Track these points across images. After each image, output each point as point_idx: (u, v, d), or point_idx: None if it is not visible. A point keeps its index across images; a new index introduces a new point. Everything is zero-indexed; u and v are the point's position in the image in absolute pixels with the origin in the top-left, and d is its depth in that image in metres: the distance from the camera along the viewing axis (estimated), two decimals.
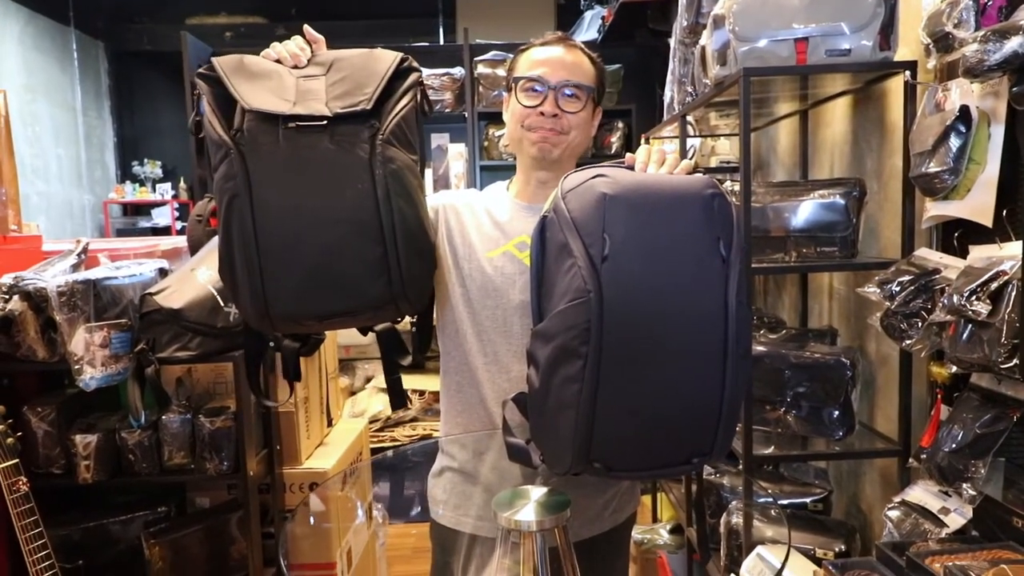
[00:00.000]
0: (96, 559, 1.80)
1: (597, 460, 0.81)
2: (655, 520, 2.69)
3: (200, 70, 0.93)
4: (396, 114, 0.91)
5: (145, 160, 6.13)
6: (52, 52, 5.48)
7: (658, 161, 0.89)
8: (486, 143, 4.10)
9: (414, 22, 5.93)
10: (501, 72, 3.76)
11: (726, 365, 0.78)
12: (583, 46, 1.17)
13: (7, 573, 1.71)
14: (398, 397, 1.12)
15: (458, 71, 3.89)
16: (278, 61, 0.97)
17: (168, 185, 6.00)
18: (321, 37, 1.02)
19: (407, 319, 1.04)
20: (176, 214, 5.88)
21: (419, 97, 0.97)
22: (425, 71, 3.76)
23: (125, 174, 6.20)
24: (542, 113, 1.10)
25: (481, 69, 3.85)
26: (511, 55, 3.76)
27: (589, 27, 4.13)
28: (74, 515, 1.83)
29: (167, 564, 1.75)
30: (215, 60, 0.94)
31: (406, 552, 2.62)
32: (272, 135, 0.87)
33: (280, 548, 1.02)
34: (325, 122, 0.87)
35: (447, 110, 3.90)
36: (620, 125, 3.90)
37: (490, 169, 4.14)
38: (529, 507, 0.83)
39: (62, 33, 5.61)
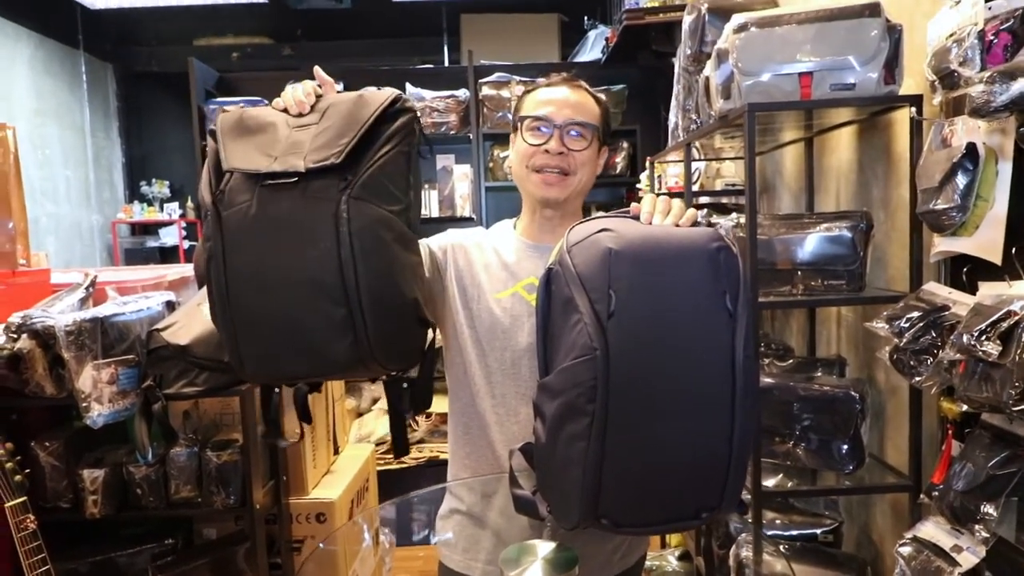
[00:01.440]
0: None
1: (604, 516, 0.80)
2: (663, 546, 2.67)
3: (212, 126, 0.94)
4: (372, 164, 0.88)
5: (153, 180, 6.18)
6: (62, 75, 5.54)
7: (663, 211, 0.89)
8: (491, 164, 4.11)
9: (419, 41, 5.98)
10: (506, 94, 3.78)
11: (734, 420, 0.77)
12: (587, 87, 1.18)
13: None
14: (399, 446, 1.11)
15: (463, 93, 3.91)
16: (285, 110, 0.96)
17: (176, 204, 6.04)
18: (330, 80, 1.01)
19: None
20: (183, 233, 5.92)
21: (414, 134, 0.95)
22: (430, 93, 3.79)
23: (133, 194, 6.25)
24: (547, 151, 1.10)
25: (486, 91, 3.87)
26: (515, 76, 3.78)
27: (593, 47, 4.15)
28: (81, 549, 1.83)
29: None
30: (219, 116, 0.95)
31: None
32: (248, 194, 0.87)
33: None
34: (296, 179, 0.86)
35: (452, 132, 3.92)
36: (625, 145, 3.90)
37: (495, 190, 4.15)
38: (536, 565, 0.82)
39: (71, 56, 5.68)
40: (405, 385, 1.05)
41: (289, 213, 0.86)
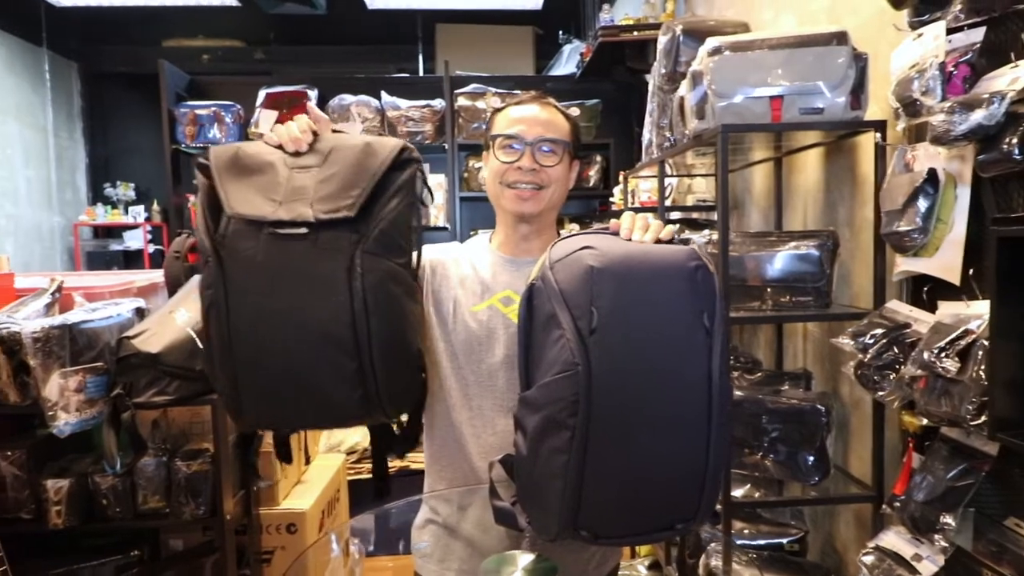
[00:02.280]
0: None
1: (584, 528, 0.82)
2: (633, 556, 2.70)
3: (200, 159, 0.91)
4: (383, 218, 0.88)
5: (118, 182, 6.04)
6: (24, 73, 5.40)
7: (643, 228, 0.92)
8: (466, 174, 4.13)
9: (393, 49, 5.97)
10: (481, 105, 3.81)
11: (710, 433, 0.80)
12: (557, 104, 1.22)
13: None
14: (382, 486, 1.10)
15: (438, 103, 3.92)
16: (280, 146, 0.94)
17: (141, 207, 5.91)
18: (325, 117, 0.99)
19: None
20: (149, 237, 5.79)
21: (418, 187, 0.94)
22: (405, 102, 3.80)
23: (97, 196, 6.10)
24: (520, 168, 1.13)
25: (461, 101, 3.89)
26: (491, 88, 3.80)
27: (568, 61, 4.21)
28: (42, 561, 1.78)
29: None
30: (212, 151, 0.91)
31: None
32: (253, 240, 0.85)
33: None
34: (306, 230, 0.84)
35: (427, 142, 3.93)
36: (598, 159, 3.96)
37: (469, 200, 4.16)
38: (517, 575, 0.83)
39: (34, 54, 5.54)
40: (394, 428, 1.05)
41: (298, 264, 0.84)
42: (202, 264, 0.87)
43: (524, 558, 0.87)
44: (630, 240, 0.89)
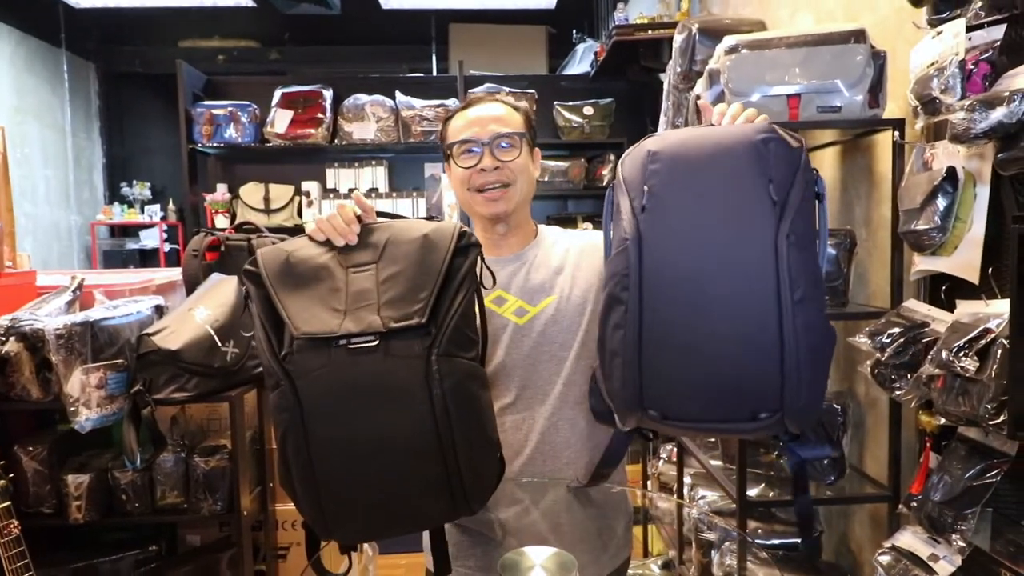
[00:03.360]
0: None
1: (652, 407, 0.80)
2: (646, 554, 2.70)
3: (247, 266, 0.89)
4: (453, 316, 0.84)
5: (134, 181, 6.11)
6: (43, 74, 5.47)
7: (733, 115, 0.91)
8: None
9: (407, 49, 6.00)
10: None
11: (781, 313, 0.74)
12: (500, 97, 1.23)
13: None
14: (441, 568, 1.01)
15: (452, 102, 3.93)
16: (327, 241, 0.91)
17: (157, 207, 5.98)
18: (371, 206, 0.96)
19: None
20: (165, 235, 5.86)
21: (479, 273, 0.91)
22: (420, 102, 3.81)
23: (114, 195, 6.17)
24: (483, 169, 1.14)
25: (506, 99, 3.88)
26: (505, 88, 3.79)
27: (581, 60, 4.20)
28: (62, 555, 1.81)
29: None
30: (261, 258, 0.89)
31: None
32: (323, 357, 0.81)
33: None
34: (376, 341, 0.81)
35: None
36: (611, 158, 3.95)
37: None
38: (536, 571, 0.84)
39: (53, 54, 5.61)
40: None
41: (373, 377, 0.81)
42: (270, 386, 0.84)
43: (543, 553, 0.87)
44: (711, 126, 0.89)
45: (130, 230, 6.02)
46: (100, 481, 1.71)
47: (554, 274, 1.20)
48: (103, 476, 1.72)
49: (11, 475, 1.55)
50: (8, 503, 1.51)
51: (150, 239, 5.90)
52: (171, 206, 6.02)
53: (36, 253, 5.12)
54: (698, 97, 1.72)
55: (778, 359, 0.74)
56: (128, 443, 1.59)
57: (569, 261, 1.22)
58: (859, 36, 1.44)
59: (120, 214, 5.90)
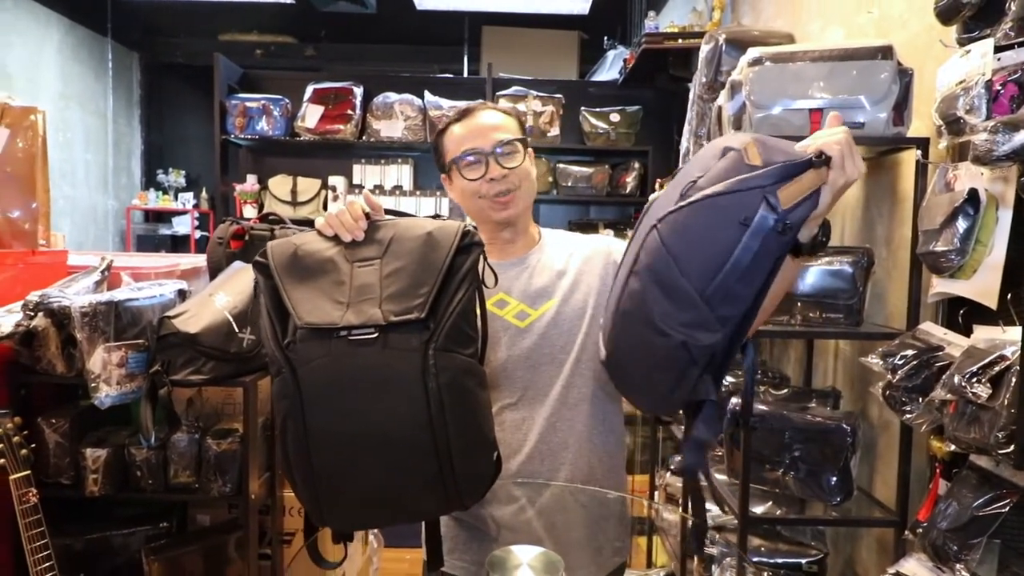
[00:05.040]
0: (96, 571, 1.83)
1: None
2: (650, 565, 2.68)
3: (257, 258, 0.92)
4: (452, 312, 0.86)
5: (170, 169, 6.26)
6: (88, 62, 5.64)
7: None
8: None
9: (439, 50, 6.05)
10: (522, 107, 3.83)
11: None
12: (492, 104, 1.25)
13: None
14: (434, 560, 1.04)
15: (480, 104, 3.96)
16: (335, 236, 0.93)
17: (190, 195, 6.11)
18: (379, 204, 0.98)
19: None
20: (196, 223, 5.99)
21: (481, 272, 0.92)
22: (447, 102, 3.85)
23: (149, 181, 6.33)
24: (492, 179, 1.15)
25: (502, 104, 3.92)
26: (532, 91, 3.80)
27: (611, 67, 4.20)
28: (78, 525, 1.86)
29: None
30: (270, 250, 0.92)
31: None
32: (324, 347, 0.83)
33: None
34: (376, 333, 0.83)
35: None
36: (636, 166, 3.94)
37: None
38: (523, 570, 0.85)
39: (99, 43, 5.78)
40: None
41: (371, 368, 0.83)
42: (272, 373, 0.86)
43: (530, 552, 0.88)
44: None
45: (163, 216, 6.17)
46: (117, 456, 1.76)
47: (556, 278, 1.22)
48: (120, 452, 1.77)
49: (33, 445, 1.60)
50: (28, 472, 1.56)
51: (182, 226, 6.04)
52: (204, 194, 6.15)
53: (73, 234, 5.28)
54: (720, 109, 1.72)
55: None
56: (144, 421, 1.63)
57: (572, 265, 1.23)
58: (886, 52, 1.43)
59: (155, 200, 6.04)
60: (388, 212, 0.99)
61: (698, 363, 0.80)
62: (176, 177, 6.23)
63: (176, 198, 6.11)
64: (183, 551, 1.84)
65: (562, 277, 1.21)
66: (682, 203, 0.79)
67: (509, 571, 0.85)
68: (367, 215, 0.94)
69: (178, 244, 6.05)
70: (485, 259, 0.93)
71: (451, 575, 1.18)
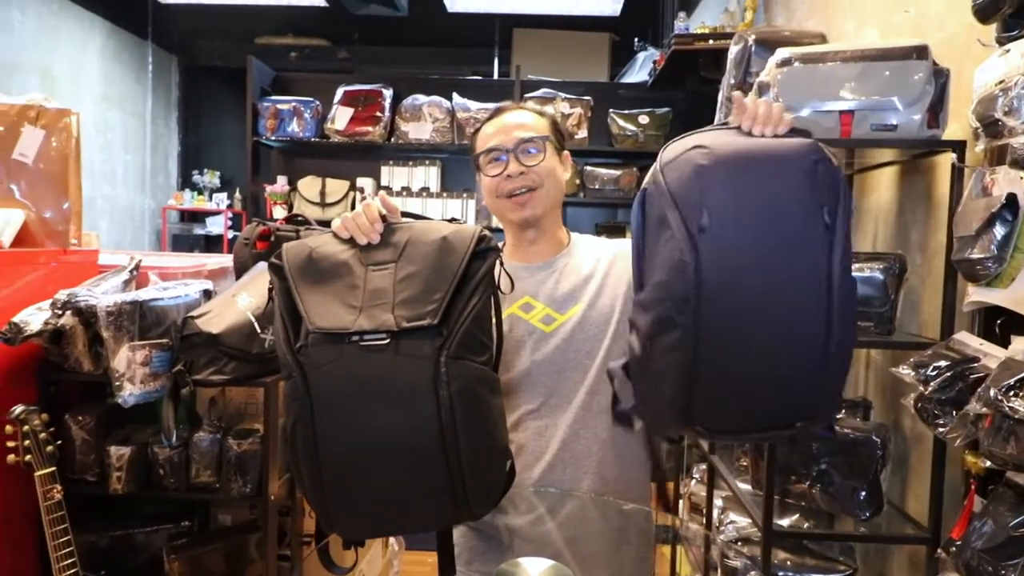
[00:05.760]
0: (118, 568, 1.85)
1: (699, 424, 0.82)
2: (673, 574, 2.63)
3: (272, 259, 0.91)
4: (466, 318, 0.84)
5: (205, 170, 6.39)
6: (129, 64, 5.79)
7: (763, 121, 0.86)
8: None
9: (470, 52, 6.07)
10: (550, 110, 3.81)
11: (830, 332, 0.76)
12: (526, 104, 1.25)
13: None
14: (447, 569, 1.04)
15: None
16: (351, 239, 0.92)
17: (224, 195, 6.23)
18: (395, 206, 0.97)
19: None
20: (229, 223, 6.10)
21: (496, 276, 0.90)
22: (475, 104, 3.84)
23: (185, 182, 6.47)
24: (510, 176, 1.15)
25: (530, 106, 3.90)
26: (561, 93, 3.80)
27: (641, 69, 4.16)
28: (101, 522, 1.89)
29: None
30: (285, 252, 0.91)
31: None
32: (335, 352, 0.82)
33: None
34: (388, 339, 0.82)
35: None
36: None
37: None
38: None
39: (140, 47, 5.93)
40: None
41: (382, 374, 0.82)
42: (284, 377, 0.86)
43: (540, 565, 0.86)
44: (749, 135, 0.85)
45: (198, 216, 6.30)
46: (140, 454, 1.78)
47: (583, 282, 1.20)
48: (143, 450, 1.79)
49: (59, 442, 1.64)
50: (54, 468, 1.59)
51: (215, 226, 6.16)
52: (237, 195, 6.27)
53: (111, 233, 5.42)
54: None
55: (820, 376, 0.78)
56: (166, 420, 1.65)
57: (599, 270, 1.21)
58: (921, 52, 1.37)
59: (190, 200, 6.18)
60: (404, 215, 0.99)
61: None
62: (211, 178, 6.36)
63: (211, 198, 6.24)
64: (204, 550, 1.86)
65: (589, 281, 1.20)
66: None
67: None
68: (383, 217, 0.93)
69: (211, 244, 6.18)
70: (501, 264, 0.92)
71: None
